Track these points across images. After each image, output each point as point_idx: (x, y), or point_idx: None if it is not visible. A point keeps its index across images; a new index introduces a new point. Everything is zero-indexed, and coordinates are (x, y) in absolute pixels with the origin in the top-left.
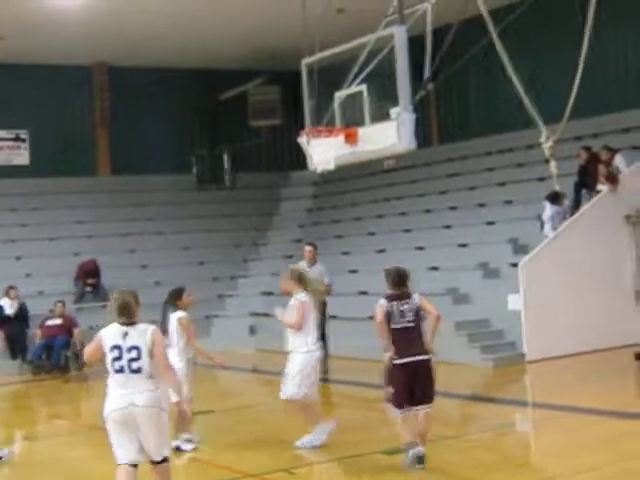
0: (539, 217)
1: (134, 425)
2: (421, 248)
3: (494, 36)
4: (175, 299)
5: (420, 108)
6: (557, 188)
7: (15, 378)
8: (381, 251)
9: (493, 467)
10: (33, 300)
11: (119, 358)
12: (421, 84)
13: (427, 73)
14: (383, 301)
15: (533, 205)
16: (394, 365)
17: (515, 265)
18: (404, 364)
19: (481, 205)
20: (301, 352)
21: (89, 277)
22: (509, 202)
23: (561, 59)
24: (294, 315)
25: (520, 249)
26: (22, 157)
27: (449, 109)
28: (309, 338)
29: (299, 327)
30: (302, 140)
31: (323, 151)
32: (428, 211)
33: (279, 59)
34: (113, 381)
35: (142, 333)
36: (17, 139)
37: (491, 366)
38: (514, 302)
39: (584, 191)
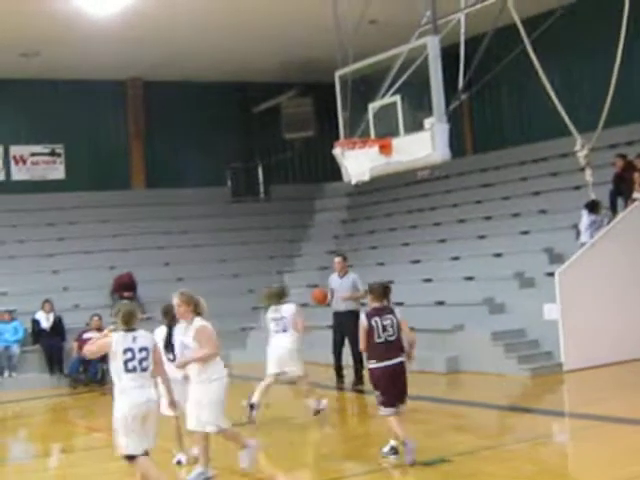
0: (575, 226)
1: (147, 418)
2: (456, 258)
3: (527, 45)
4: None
5: (454, 118)
6: (593, 196)
7: (53, 391)
8: (416, 261)
9: (531, 478)
10: (70, 313)
11: (132, 359)
12: (455, 94)
13: (461, 83)
14: (363, 317)
15: (568, 214)
16: (376, 369)
17: (551, 274)
18: (385, 367)
19: (515, 215)
20: (215, 379)
21: (125, 290)
22: (544, 211)
23: (595, 67)
24: (210, 343)
25: (556, 258)
26: (58, 172)
27: (483, 119)
28: (222, 363)
29: (217, 353)
30: (336, 152)
31: (357, 162)
32: (462, 221)
33: (312, 71)
34: (127, 380)
35: (147, 336)
36: (53, 154)
37: (528, 376)
38: (550, 312)
39: (620, 199)
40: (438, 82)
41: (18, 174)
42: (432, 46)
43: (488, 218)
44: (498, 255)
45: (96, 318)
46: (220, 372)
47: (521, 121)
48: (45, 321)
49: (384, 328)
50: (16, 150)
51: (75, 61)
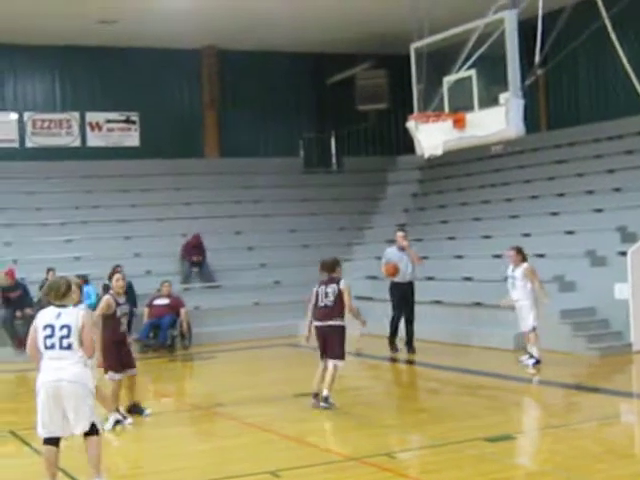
0: None
1: (60, 399)
2: (527, 235)
3: (606, 20)
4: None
5: (529, 93)
6: None
7: None
8: (487, 237)
9: (596, 457)
10: (141, 280)
11: (51, 336)
12: (531, 69)
13: (537, 58)
14: (316, 285)
15: None
16: (315, 327)
17: (623, 254)
18: (317, 326)
19: (589, 192)
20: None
21: (194, 254)
22: (618, 189)
23: None
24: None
25: (628, 237)
26: (132, 139)
27: (558, 95)
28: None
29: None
30: (410, 125)
31: (431, 136)
32: (535, 197)
33: (387, 43)
34: (45, 357)
35: (73, 314)
36: (128, 121)
37: (597, 356)
38: (621, 291)
39: None
40: (514, 57)
41: (93, 140)
42: (509, 20)
43: (561, 195)
44: (570, 233)
45: (167, 284)
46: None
47: (597, 97)
48: None
49: (326, 295)
50: (92, 116)
51: (152, 29)
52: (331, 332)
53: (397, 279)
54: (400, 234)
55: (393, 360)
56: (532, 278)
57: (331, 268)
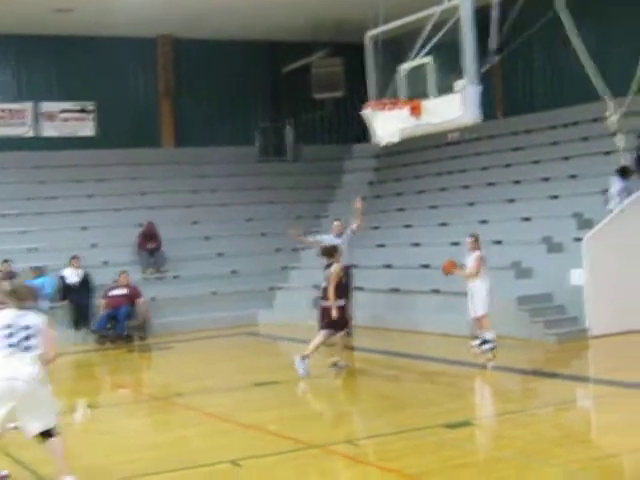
0: (605, 191)
1: (8, 398)
2: (484, 222)
3: (560, 7)
4: None
5: (485, 80)
6: (623, 162)
7: (79, 347)
8: (444, 224)
9: (554, 442)
10: (98, 270)
11: (10, 335)
12: (486, 56)
13: (493, 45)
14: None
15: (598, 179)
16: None
17: (579, 240)
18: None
19: (545, 179)
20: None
21: (149, 241)
22: (574, 176)
23: (628, 31)
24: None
25: (584, 224)
26: (88, 128)
27: (514, 82)
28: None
29: None
30: (366, 112)
31: (387, 124)
32: (492, 184)
33: (343, 31)
34: (2, 355)
35: (35, 318)
36: (83, 111)
37: (554, 341)
38: (577, 277)
39: None
40: (470, 44)
41: (48, 130)
42: (465, 7)
43: (517, 182)
44: (526, 219)
45: (124, 274)
46: None
47: (552, 85)
48: (73, 277)
49: (324, 278)
50: (46, 106)
51: (107, 18)
52: (324, 309)
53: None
54: (336, 223)
55: (350, 348)
56: (475, 266)
57: (329, 254)
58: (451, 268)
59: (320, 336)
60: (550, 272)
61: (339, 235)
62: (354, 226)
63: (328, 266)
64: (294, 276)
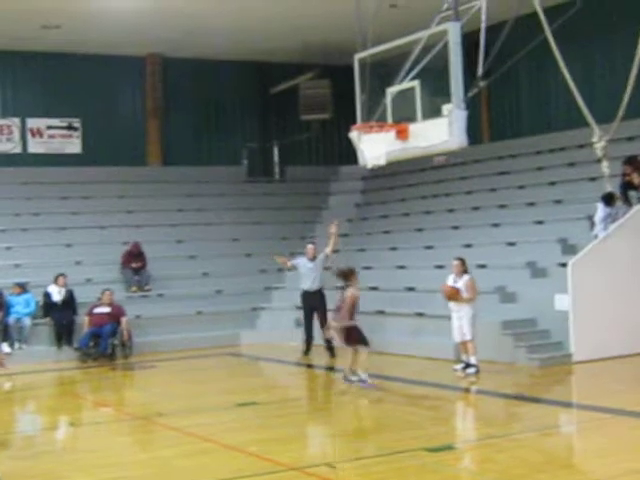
0: (590, 217)
1: None
2: (469, 245)
3: (548, 35)
4: None
5: (472, 105)
6: (609, 188)
7: (62, 365)
8: (429, 247)
9: (537, 467)
10: (82, 288)
11: None
12: (473, 81)
13: (480, 70)
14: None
15: (583, 205)
16: None
17: (564, 265)
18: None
19: (530, 204)
20: None
21: (133, 261)
22: (559, 202)
23: (614, 58)
24: None
25: (569, 249)
26: (74, 146)
27: (500, 107)
28: None
29: None
30: (353, 135)
31: (374, 146)
32: (477, 208)
33: (331, 53)
34: None
35: None
36: (70, 127)
37: (537, 366)
38: (561, 302)
39: (632, 192)
40: (457, 68)
41: (34, 147)
42: (453, 32)
43: (503, 206)
44: (511, 244)
45: (108, 292)
46: None
47: (539, 110)
48: (57, 294)
49: (339, 299)
50: (33, 123)
51: (95, 36)
52: (341, 329)
53: (306, 287)
54: (310, 247)
55: (331, 369)
56: (472, 290)
57: (345, 276)
58: (455, 295)
59: (362, 355)
60: (534, 297)
61: (312, 259)
62: (328, 250)
63: (343, 287)
64: (277, 297)
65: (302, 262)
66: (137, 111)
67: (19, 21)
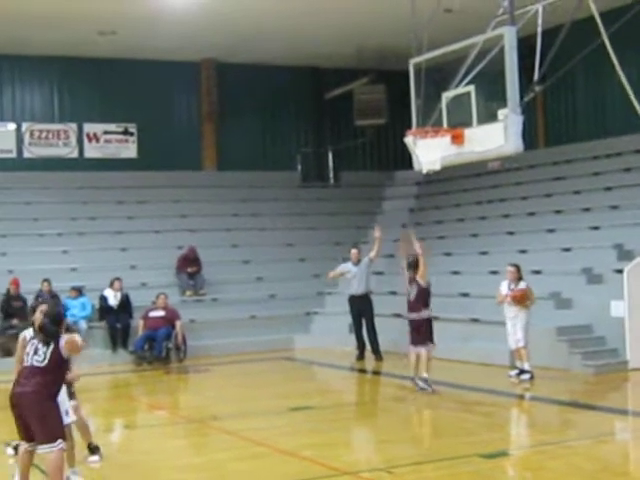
0: None
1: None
2: (524, 251)
3: (605, 39)
4: None
5: (527, 110)
6: None
7: (117, 368)
8: (483, 253)
9: (591, 475)
10: (137, 291)
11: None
12: (529, 86)
13: (536, 75)
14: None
15: (639, 211)
16: None
17: (620, 271)
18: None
19: (586, 210)
20: None
21: (189, 265)
22: (615, 207)
23: None
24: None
25: (625, 255)
26: (130, 150)
27: (556, 112)
28: None
29: None
30: (408, 140)
31: (429, 151)
32: (532, 214)
33: (386, 58)
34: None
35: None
36: (125, 132)
37: (592, 373)
38: (617, 309)
39: None
40: (513, 73)
41: (91, 152)
42: (509, 37)
43: (558, 212)
44: (567, 250)
45: (162, 296)
46: None
47: (595, 115)
48: (113, 298)
49: (409, 292)
50: (89, 128)
51: (150, 41)
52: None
53: (352, 291)
54: (354, 251)
55: (389, 375)
56: (530, 297)
57: (415, 266)
58: (525, 300)
59: (429, 353)
60: (590, 303)
61: (357, 263)
62: (372, 254)
63: (412, 280)
64: (330, 301)
65: (347, 267)
66: (192, 116)
67: (76, 28)
